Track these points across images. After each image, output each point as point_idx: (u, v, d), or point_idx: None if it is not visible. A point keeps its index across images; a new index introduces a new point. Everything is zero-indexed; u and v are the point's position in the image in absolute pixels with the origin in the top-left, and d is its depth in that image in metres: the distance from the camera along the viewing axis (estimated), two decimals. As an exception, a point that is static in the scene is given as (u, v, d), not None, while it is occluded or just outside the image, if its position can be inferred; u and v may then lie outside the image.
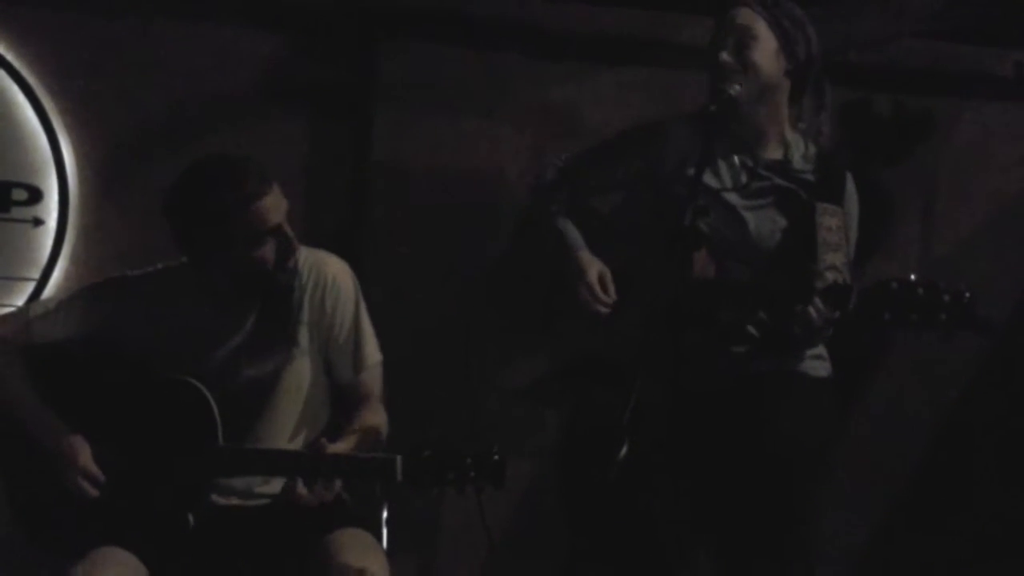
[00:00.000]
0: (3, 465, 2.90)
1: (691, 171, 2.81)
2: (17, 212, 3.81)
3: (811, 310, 2.72)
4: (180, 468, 2.75)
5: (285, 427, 2.88)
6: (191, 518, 2.73)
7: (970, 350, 4.15)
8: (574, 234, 3.10)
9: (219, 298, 2.86)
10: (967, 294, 2.58)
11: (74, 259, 3.84)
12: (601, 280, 3.00)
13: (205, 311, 2.86)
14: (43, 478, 2.78)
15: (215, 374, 2.81)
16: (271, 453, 2.80)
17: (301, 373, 2.89)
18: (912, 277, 2.62)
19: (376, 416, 2.87)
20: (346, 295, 2.92)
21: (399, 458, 2.62)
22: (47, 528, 2.84)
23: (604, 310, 2.99)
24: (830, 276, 2.78)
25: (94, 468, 2.75)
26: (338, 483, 2.67)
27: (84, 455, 2.75)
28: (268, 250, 2.76)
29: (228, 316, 2.87)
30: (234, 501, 2.85)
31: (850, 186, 3.02)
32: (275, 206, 2.76)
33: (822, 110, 3.05)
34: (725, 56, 2.93)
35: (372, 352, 2.95)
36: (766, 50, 2.94)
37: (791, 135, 3.02)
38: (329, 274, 2.91)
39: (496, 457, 2.61)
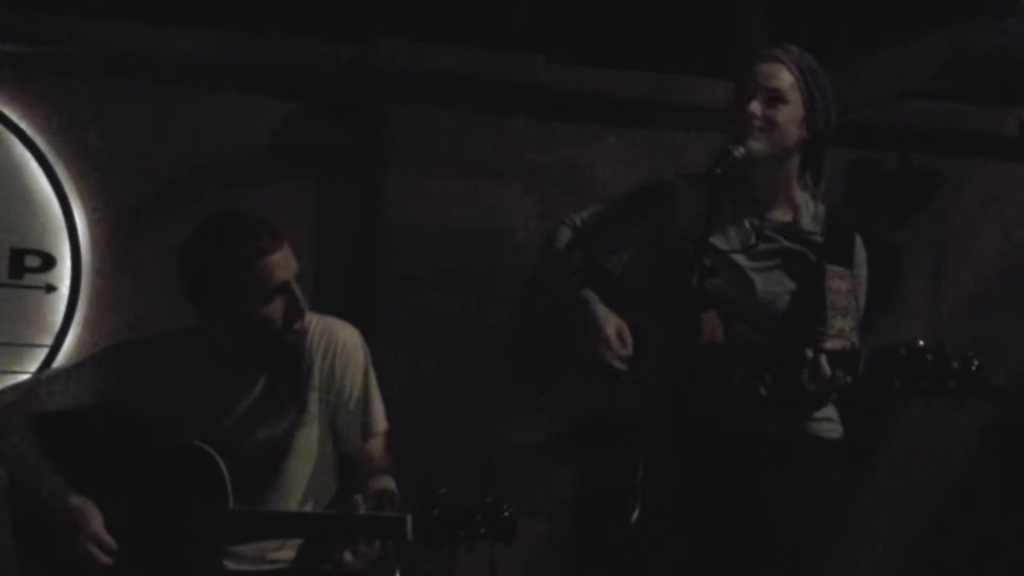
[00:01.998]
0: (15, 531, 2.90)
1: (699, 231, 2.81)
2: (30, 279, 3.82)
3: (822, 359, 2.71)
4: (192, 534, 2.75)
5: (295, 493, 2.88)
6: None
7: (978, 413, 4.13)
8: (590, 292, 3.09)
9: (228, 359, 2.86)
10: (976, 362, 2.56)
11: (87, 325, 3.85)
12: (619, 334, 2.99)
13: (215, 374, 2.87)
14: (55, 545, 2.78)
15: (226, 438, 2.81)
16: (280, 515, 2.81)
17: (311, 439, 2.90)
18: (921, 343, 2.60)
19: (387, 483, 2.87)
20: (355, 362, 2.93)
21: (409, 517, 2.61)
22: None
23: (621, 365, 2.97)
24: (838, 343, 2.76)
25: (105, 535, 2.75)
26: (377, 544, 2.67)
27: (95, 522, 2.75)
28: (276, 308, 2.78)
29: (237, 379, 2.88)
30: (246, 567, 2.84)
31: (859, 248, 2.99)
32: (284, 264, 2.78)
33: (822, 166, 3.05)
34: (755, 107, 2.90)
35: (380, 420, 2.95)
36: (793, 115, 2.92)
37: (800, 196, 3.01)
38: (339, 340, 2.93)
39: (507, 513, 2.59)
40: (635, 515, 2.46)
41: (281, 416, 2.87)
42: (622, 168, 4.09)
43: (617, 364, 2.97)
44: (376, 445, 2.94)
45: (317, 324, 2.92)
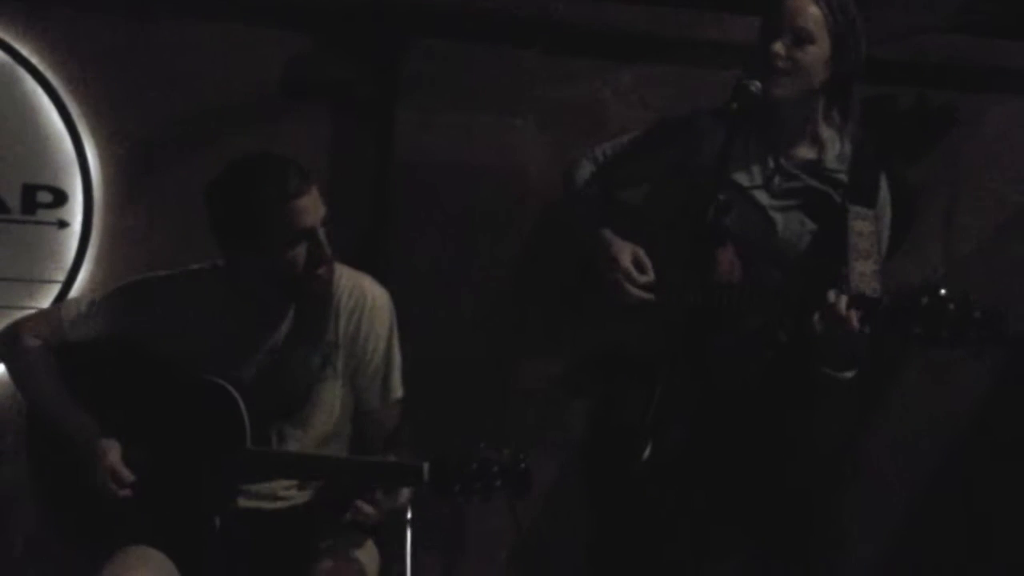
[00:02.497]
0: (36, 461, 2.93)
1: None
2: (42, 215, 3.82)
3: (841, 300, 2.66)
4: (208, 471, 2.76)
5: (313, 445, 2.88)
6: (217, 521, 2.74)
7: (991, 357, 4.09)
8: (606, 223, 3.06)
9: (250, 302, 2.85)
10: (999, 312, 2.52)
11: (99, 261, 3.85)
12: (637, 262, 2.96)
13: (236, 316, 2.86)
14: (74, 475, 2.80)
15: (245, 381, 2.81)
16: (298, 457, 2.81)
17: (334, 394, 2.89)
18: (943, 291, 2.56)
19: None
20: (382, 324, 2.91)
21: (426, 465, 2.63)
22: (78, 524, 2.87)
23: (644, 294, 2.93)
24: (861, 287, 2.72)
25: (123, 468, 2.77)
26: (405, 492, 2.69)
27: (113, 455, 2.77)
28: (299, 253, 2.75)
29: (260, 323, 2.87)
30: (254, 503, 2.85)
31: (884, 189, 2.94)
32: (311, 208, 2.75)
33: (851, 102, 2.99)
34: (779, 47, 2.83)
35: (396, 387, 2.95)
36: (820, 56, 2.85)
37: (826, 133, 2.95)
38: (368, 299, 2.90)
39: (523, 465, 2.60)
40: (647, 452, 2.45)
41: (304, 367, 2.86)
42: (637, 104, 4.05)
43: (639, 293, 2.94)
44: (388, 412, 2.94)
45: (348, 281, 2.90)
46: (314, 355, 2.87)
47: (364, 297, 2.90)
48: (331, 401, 2.89)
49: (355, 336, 2.88)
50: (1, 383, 3.51)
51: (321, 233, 2.77)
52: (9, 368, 2.99)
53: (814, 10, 2.86)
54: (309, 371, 2.86)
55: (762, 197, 2.93)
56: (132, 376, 2.88)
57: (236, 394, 2.77)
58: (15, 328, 2.97)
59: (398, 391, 2.95)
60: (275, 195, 2.71)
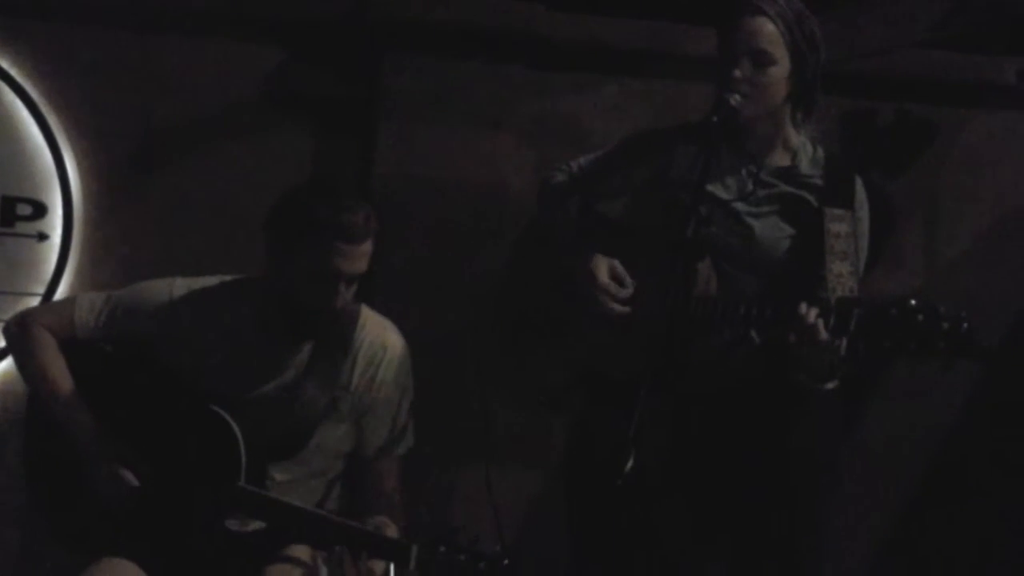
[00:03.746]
0: (26, 452, 2.92)
1: (695, 180, 2.78)
2: (22, 227, 3.83)
3: (811, 312, 2.66)
4: (198, 500, 2.74)
5: (303, 479, 2.86)
6: (202, 546, 2.74)
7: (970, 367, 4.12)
8: (581, 238, 3.07)
9: (270, 331, 2.82)
10: (965, 324, 2.51)
11: (79, 273, 3.85)
12: (614, 276, 2.96)
13: (254, 342, 2.83)
14: (68, 476, 2.80)
15: (250, 411, 2.78)
16: (288, 507, 2.75)
17: (335, 436, 2.87)
18: (912, 302, 2.56)
19: (388, 524, 2.80)
20: (396, 376, 2.90)
21: (415, 548, 2.61)
22: (67, 528, 2.87)
23: (622, 308, 2.95)
24: (838, 288, 2.72)
25: (120, 480, 2.75)
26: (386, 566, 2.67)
27: (113, 461, 2.76)
28: (311, 290, 2.73)
29: (275, 354, 2.85)
30: (233, 526, 2.81)
31: (860, 190, 2.94)
32: (350, 257, 2.72)
33: (813, 100, 3.00)
34: (738, 74, 2.82)
35: (400, 443, 2.92)
36: (780, 75, 2.84)
37: (797, 139, 2.97)
38: (388, 351, 2.90)
39: (506, 562, 2.59)
40: (629, 465, 2.45)
41: (310, 406, 2.83)
42: (620, 118, 4.07)
43: (617, 308, 2.94)
44: (390, 466, 2.92)
45: (372, 329, 2.89)
46: (323, 397, 2.84)
47: (384, 348, 2.89)
48: (330, 443, 2.86)
49: (369, 386, 2.87)
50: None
51: (342, 287, 2.73)
52: (15, 355, 2.96)
53: (771, 29, 2.85)
54: (315, 412, 2.83)
55: (739, 206, 2.93)
56: (138, 387, 2.85)
57: (237, 429, 2.73)
58: (26, 316, 2.96)
59: (401, 447, 2.93)
60: (332, 222, 2.68)
